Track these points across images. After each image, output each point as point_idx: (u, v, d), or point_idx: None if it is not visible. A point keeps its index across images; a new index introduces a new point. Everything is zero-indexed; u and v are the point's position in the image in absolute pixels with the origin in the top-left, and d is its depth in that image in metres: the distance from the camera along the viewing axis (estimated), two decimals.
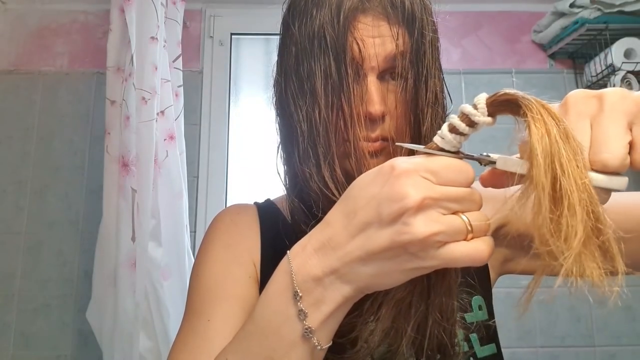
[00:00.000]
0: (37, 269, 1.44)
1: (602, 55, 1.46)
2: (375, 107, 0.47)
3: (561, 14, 1.51)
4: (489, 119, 0.32)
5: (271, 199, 0.63)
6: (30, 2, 1.61)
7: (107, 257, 1.18)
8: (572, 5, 1.46)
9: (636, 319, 1.46)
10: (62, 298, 1.43)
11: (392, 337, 0.42)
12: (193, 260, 1.38)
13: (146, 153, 1.16)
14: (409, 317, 0.41)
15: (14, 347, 1.40)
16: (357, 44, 0.47)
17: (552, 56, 1.64)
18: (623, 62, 1.41)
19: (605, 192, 0.30)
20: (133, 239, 1.15)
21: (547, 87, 1.62)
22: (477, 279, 0.53)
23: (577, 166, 0.28)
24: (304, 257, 0.35)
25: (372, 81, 0.48)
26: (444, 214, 0.31)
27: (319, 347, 0.35)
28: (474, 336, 0.51)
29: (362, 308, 0.42)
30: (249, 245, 0.55)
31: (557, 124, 0.29)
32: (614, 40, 1.43)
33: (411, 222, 0.30)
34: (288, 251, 0.37)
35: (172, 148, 1.27)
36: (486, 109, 0.31)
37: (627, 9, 1.42)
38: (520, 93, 0.30)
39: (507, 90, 0.31)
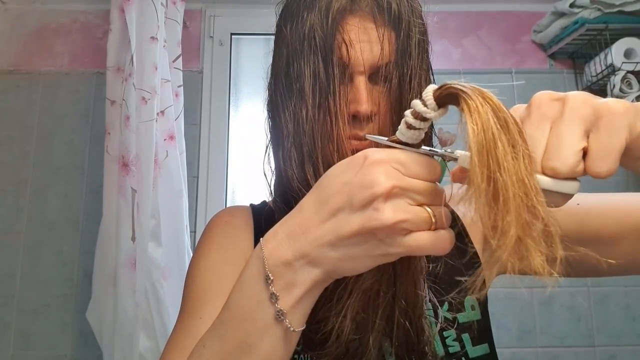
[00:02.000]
0: (37, 269, 1.44)
1: (602, 55, 1.46)
2: (364, 107, 0.48)
3: (561, 14, 1.51)
4: (438, 113, 0.33)
5: (267, 200, 0.64)
6: (30, 2, 1.61)
7: (107, 257, 1.18)
8: (572, 5, 1.46)
9: (636, 319, 1.46)
10: (62, 298, 1.43)
11: (362, 327, 0.43)
12: None
13: (146, 153, 1.16)
14: (377, 307, 0.42)
15: (14, 347, 1.40)
16: (345, 44, 0.48)
17: (552, 56, 1.64)
18: (623, 62, 1.41)
19: (559, 196, 0.30)
20: (133, 239, 1.15)
21: (547, 87, 1.61)
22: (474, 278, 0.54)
23: (515, 159, 0.28)
24: (275, 242, 0.37)
25: (361, 81, 0.49)
26: (411, 204, 0.33)
27: (292, 329, 0.36)
28: (465, 336, 0.51)
29: (333, 301, 0.43)
30: (242, 246, 0.56)
31: (495, 114, 0.29)
32: (614, 40, 1.43)
33: (380, 209, 0.32)
34: (261, 238, 0.38)
35: (172, 148, 1.27)
36: (435, 103, 0.32)
37: (627, 9, 1.42)
38: (460, 85, 0.31)
39: (451, 83, 0.31)
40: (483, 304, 0.55)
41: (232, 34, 1.65)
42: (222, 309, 0.40)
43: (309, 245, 0.35)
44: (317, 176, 0.47)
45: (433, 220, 0.32)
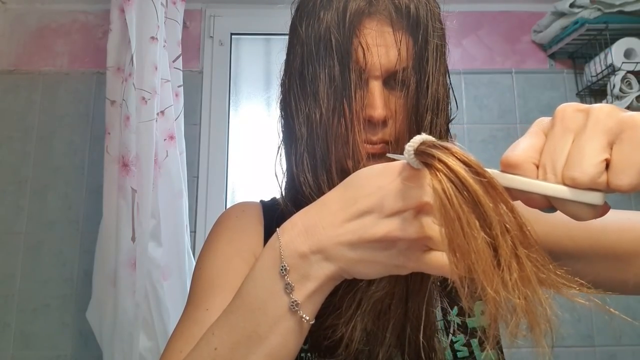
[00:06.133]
0: (37, 269, 1.44)
1: (602, 55, 1.46)
2: (378, 112, 0.47)
3: (561, 14, 1.51)
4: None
5: (277, 197, 0.63)
6: (30, 2, 1.61)
7: (107, 257, 1.18)
8: (572, 5, 1.46)
9: (636, 319, 1.46)
10: (62, 298, 1.43)
11: (371, 340, 0.43)
12: (193, 260, 1.38)
13: (146, 153, 1.16)
14: (388, 321, 0.42)
15: (14, 347, 1.40)
16: (362, 48, 0.47)
17: (552, 56, 1.64)
18: (623, 62, 1.41)
19: (584, 208, 0.29)
20: (133, 239, 1.14)
21: (547, 87, 1.62)
22: None
23: (492, 236, 0.28)
24: (293, 234, 0.36)
25: (375, 85, 0.48)
26: (435, 223, 0.33)
27: (306, 318, 0.36)
28: (474, 341, 0.51)
29: (342, 308, 0.43)
30: (252, 241, 0.56)
31: (461, 192, 0.28)
32: (614, 40, 1.43)
33: (409, 220, 0.32)
34: (277, 228, 0.38)
35: (172, 148, 1.27)
36: (416, 160, 0.31)
37: (627, 9, 1.42)
38: (431, 154, 0.30)
39: (424, 146, 0.31)
40: None
41: (232, 34, 1.65)
42: (233, 297, 0.39)
43: (328, 241, 0.35)
44: (330, 183, 0.47)
45: None
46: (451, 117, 0.52)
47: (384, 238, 0.33)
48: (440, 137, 0.48)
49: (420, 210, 0.32)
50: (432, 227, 0.32)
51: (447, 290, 0.51)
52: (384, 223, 0.33)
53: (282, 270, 0.35)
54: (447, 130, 0.51)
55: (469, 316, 0.52)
